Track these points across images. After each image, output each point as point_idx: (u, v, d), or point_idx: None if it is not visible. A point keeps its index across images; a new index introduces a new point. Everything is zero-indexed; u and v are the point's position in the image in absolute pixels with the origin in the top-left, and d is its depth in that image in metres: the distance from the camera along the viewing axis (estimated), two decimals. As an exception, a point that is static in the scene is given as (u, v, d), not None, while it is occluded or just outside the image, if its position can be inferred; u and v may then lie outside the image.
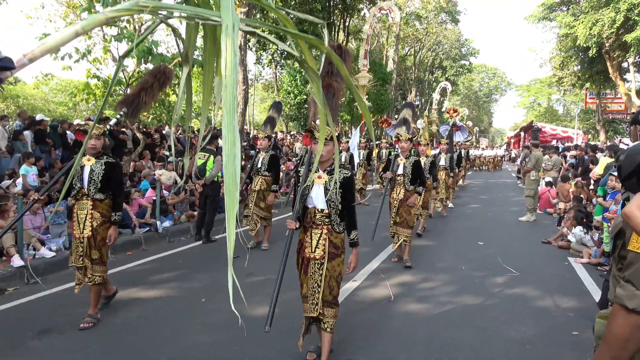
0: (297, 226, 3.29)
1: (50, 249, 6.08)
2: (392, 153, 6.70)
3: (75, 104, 10.68)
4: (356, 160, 12.16)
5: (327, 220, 3.26)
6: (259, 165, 7.10)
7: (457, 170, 12.42)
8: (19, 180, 7.74)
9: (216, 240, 7.69)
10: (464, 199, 14.55)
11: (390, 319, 4.38)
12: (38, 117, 10.72)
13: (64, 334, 3.90)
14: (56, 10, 13.94)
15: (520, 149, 28.44)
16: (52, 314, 4.33)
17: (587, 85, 28.82)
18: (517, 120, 71.80)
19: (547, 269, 6.38)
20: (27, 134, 9.88)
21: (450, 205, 11.72)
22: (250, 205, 7.02)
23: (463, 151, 17.22)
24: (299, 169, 3.53)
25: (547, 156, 13.99)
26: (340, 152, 10.36)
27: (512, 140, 44.98)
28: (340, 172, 3.28)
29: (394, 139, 7.75)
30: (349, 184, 3.28)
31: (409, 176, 6.10)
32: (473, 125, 49.32)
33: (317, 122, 3.32)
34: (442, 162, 10.47)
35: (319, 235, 3.27)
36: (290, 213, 3.41)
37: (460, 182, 16.93)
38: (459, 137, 16.16)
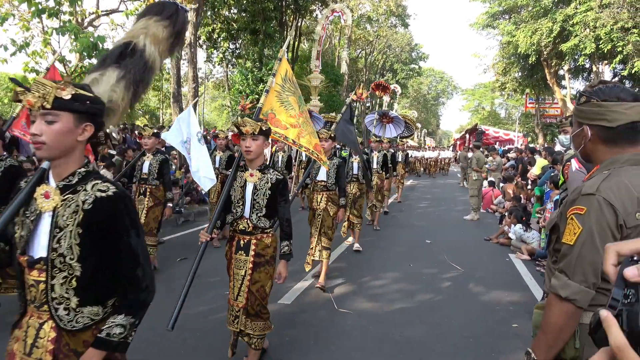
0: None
1: None
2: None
3: (12, 100, 10.02)
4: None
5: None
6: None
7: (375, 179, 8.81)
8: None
9: (164, 242, 7.48)
10: (411, 199, 14.93)
11: (342, 317, 4.42)
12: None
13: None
14: (-10, 0, 13.11)
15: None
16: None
17: (528, 90, 30.32)
18: (462, 122, 74.49)
19: (490, 265, 6.67)
20: (-43, 130, 9.20)
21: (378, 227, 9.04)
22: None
23: (400, 153, 14.30)
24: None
25: (490, 157, 14.62)
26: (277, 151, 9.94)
27: (458, 142, 46.54)
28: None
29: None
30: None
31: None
32: (421, 128, 50.52)
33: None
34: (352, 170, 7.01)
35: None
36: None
37: (395, 195, 13.85)
38: (389, 133, 11.48)
